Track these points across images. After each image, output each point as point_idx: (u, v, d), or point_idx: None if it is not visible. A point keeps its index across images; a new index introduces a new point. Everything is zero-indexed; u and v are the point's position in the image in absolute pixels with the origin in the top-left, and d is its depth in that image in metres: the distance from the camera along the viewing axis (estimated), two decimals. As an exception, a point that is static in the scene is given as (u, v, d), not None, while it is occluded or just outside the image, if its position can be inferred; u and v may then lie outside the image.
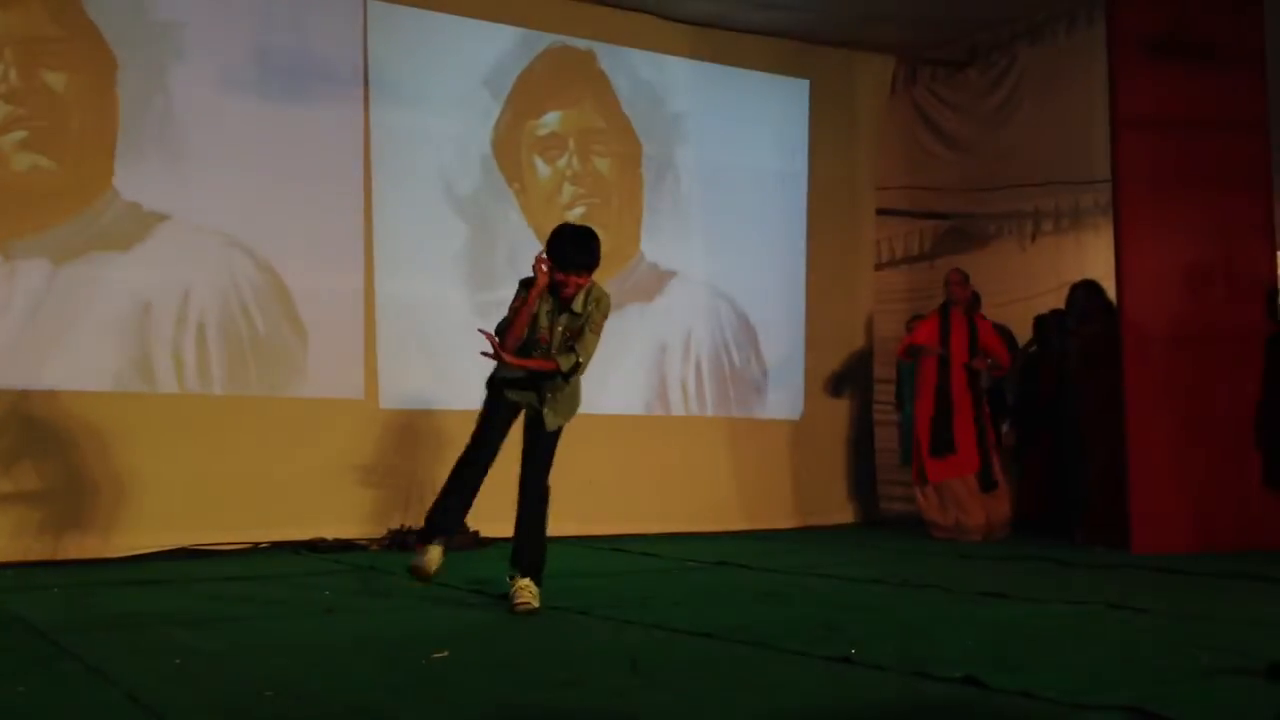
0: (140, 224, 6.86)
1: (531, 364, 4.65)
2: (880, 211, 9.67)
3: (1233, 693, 3.08)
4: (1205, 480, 6.85)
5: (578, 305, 4.65)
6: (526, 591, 4.61)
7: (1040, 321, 8.48)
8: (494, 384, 4.82)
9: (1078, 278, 8.10)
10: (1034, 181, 8.96)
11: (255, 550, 6.87)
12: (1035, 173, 8.94)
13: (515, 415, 4.84)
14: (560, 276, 4.57)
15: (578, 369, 4.68)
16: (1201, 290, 7.05)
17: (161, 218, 6.91)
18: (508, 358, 4.60)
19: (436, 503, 4.90)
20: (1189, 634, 4.02)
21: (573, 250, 4.57)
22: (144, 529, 6.56)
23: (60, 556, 6.28)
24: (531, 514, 4.81)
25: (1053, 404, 7.90)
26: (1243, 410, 7.03)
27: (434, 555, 4.74)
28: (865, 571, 5.84)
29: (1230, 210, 7.13)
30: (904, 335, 8.83)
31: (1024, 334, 8.60)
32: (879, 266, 9.93)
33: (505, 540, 7.28)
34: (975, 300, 8.37)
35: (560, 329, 4.67)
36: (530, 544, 4.76)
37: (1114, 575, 5.79)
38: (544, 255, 4.62)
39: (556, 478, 7.76)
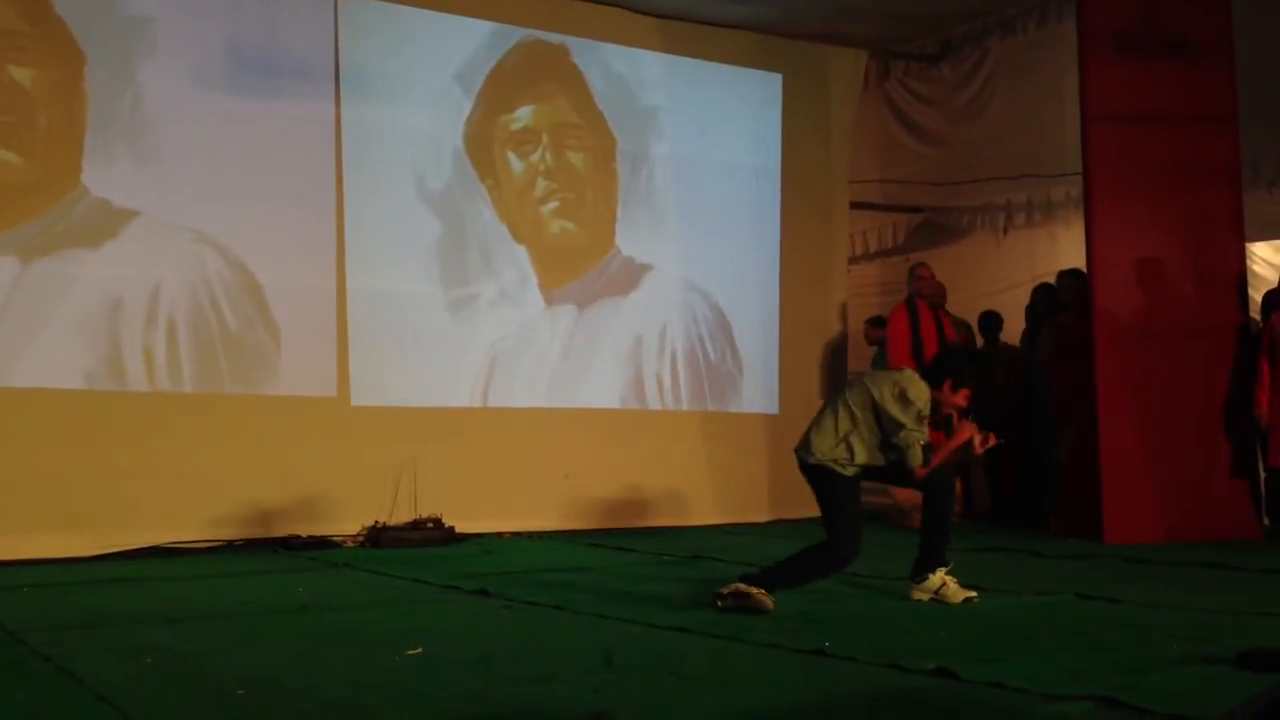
0: (110, 220, 6.79)
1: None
2: (854, 205, 9.69)
3: (1202, 681, 3.11)
4: (1176, 471, 6.91)
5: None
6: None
7: (983, 321, 8.57)
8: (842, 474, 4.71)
9: (1050, 270, 8.17)
10: (1006, 175, 9.01)
11: (228, 548, 6.83)
12: (1007, 166, 8.97)
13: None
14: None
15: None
16: (1172, 283, 7.11)
17: (131, 214, 6.84)
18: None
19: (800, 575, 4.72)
20: (1159, 624, 4.05)
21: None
22: (115, 527, 6.50)
23: (30, 556, 6.21)
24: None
25: (1019, 398, 7.96)
26: (1212, 402, 7.09)
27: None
28: (840, 564, 5.84)
29: (1200, 203, 7.18)
30: (872, 332, 8.86)
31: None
32: (853, 260, 9.95)
33: (480, 536, 7.34)
34: (942, 294, 8.43)
35: None
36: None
37: (1086, 566, 5.84)
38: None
39: (531, 473, 7.84)
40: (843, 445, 4.62)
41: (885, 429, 4.60)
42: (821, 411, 4.81)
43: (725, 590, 4.45)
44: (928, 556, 4.70)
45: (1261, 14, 7.32)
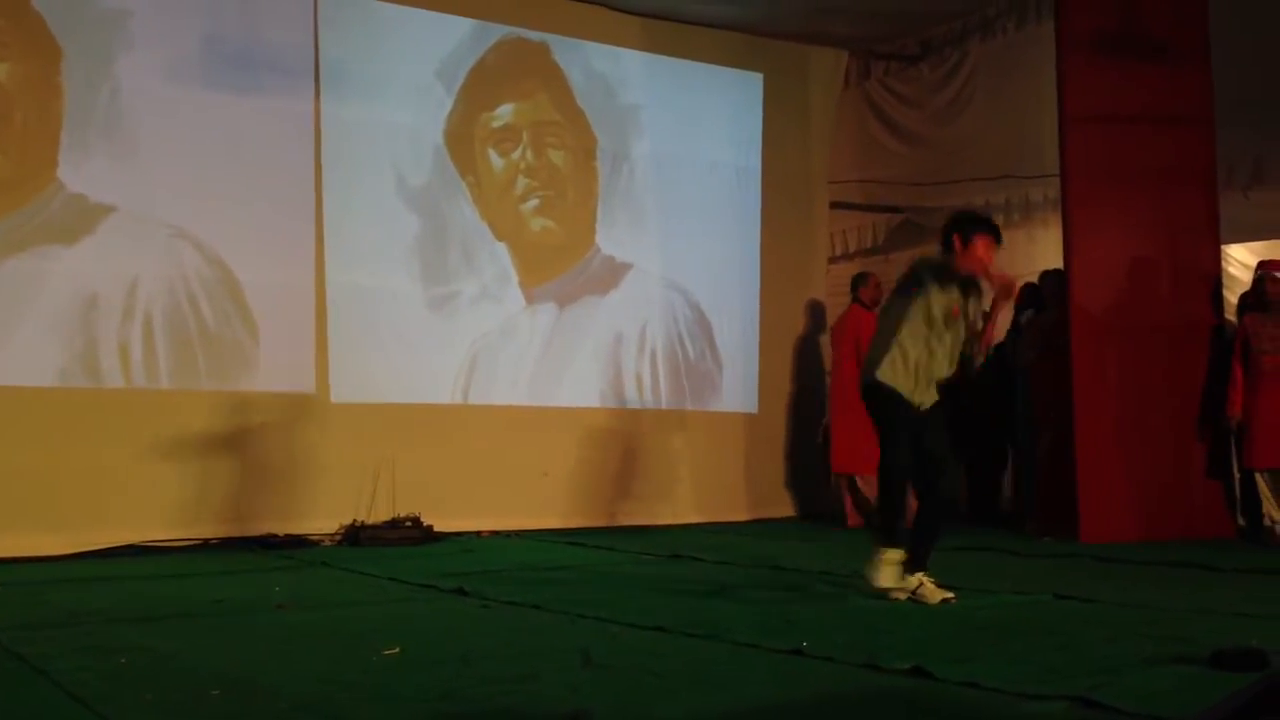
0: (86, 216, 6.75)
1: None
2: (833, 205, 9.71)
3: (1176, 681, 3.12)
4: (1151, 471, 6.95)
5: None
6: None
7: None
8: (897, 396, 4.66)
9: (1029, 270, 8.19)
10: (985, 175, 9.04)
11: (205, 546, 6.80)
12: (987, 166, 9.01)
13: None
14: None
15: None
16: (1148, 284, 7.15)
17: (108, 210, 6.80)
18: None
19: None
20: (1134, 623, 4.08)
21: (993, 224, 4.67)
22: (90, 526, 6.46)
23: (4, 554, 6.16)
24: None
25: (998, 398, 8.02)
26: (1187, 402, 7.13)
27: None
28: (817, 564, 5.87)
29: (1176, 204, 7.22)
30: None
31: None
32: (832, 260, 9.97)
33: (458, 535, 7.33)
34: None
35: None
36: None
37: (1062, 565, 5.87)
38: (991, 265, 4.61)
39: (510, 471, 7.83)
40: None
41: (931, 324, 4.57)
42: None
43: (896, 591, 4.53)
44: (912, 557, 4.66)
45: (1237, 18, 7.37)
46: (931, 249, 9.45)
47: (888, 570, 4.59)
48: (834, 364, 8.52)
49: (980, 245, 4.59)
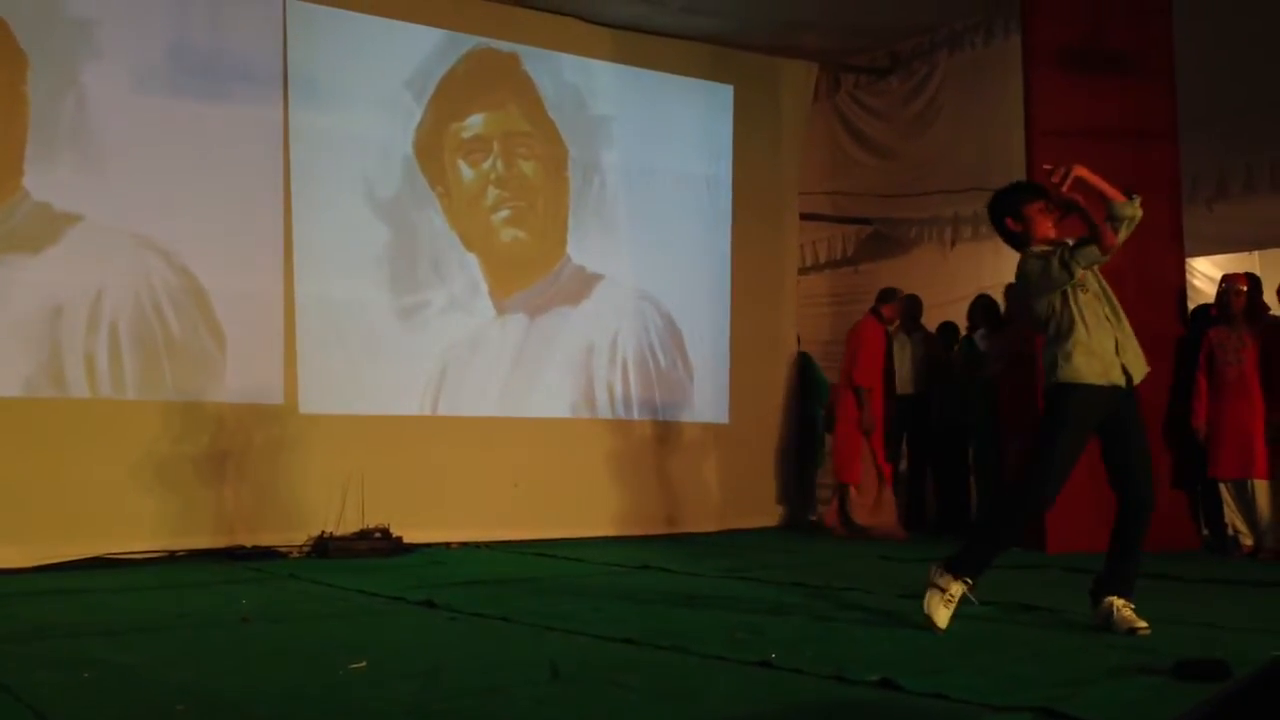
0: (51, 225, 6.68)
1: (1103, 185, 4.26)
2: (803, 216, 9.77)
3: (1140, 692, 3.16)
4: (1117, 481, 7.00)
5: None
6: (1130, 610, 4.14)
7: (943, 331, 8.85)
8: (1069, 390, 4.22)
9: (996, 282, 8.27)
10: (954, 188, 9.12)
11: (171, 559, 6.73)
12: (954, 179, 9.09)
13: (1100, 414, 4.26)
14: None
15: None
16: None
17: (73, 219, 6.74)
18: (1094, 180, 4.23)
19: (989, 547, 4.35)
20: (1099, 634, 4.11)
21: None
22: (56, 538, 6.39)
23: (-33, 567, 6.10)
24: (1150, 513, 4.31)
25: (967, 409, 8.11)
26: (1152, 413, 7.19)
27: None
28: (787, 575, 5.88)
29: (1141, 218, 7.28)
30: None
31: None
32: (803, 270, 10.02)
33: (428, 546, 7.30)
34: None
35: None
36: (1139, 555, 4.28)
37: (1029, 575, 5.91)
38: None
39: (480, 482, 7.81)
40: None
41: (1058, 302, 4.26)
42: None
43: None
44: (967, 558, 4.27)
45: (1202, 33, 7.48)
46: (899, 261, 9.66)
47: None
48: (842, 371, 8.60)
49: (1038, 207, 4.40)
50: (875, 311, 8.47)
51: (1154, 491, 4.35)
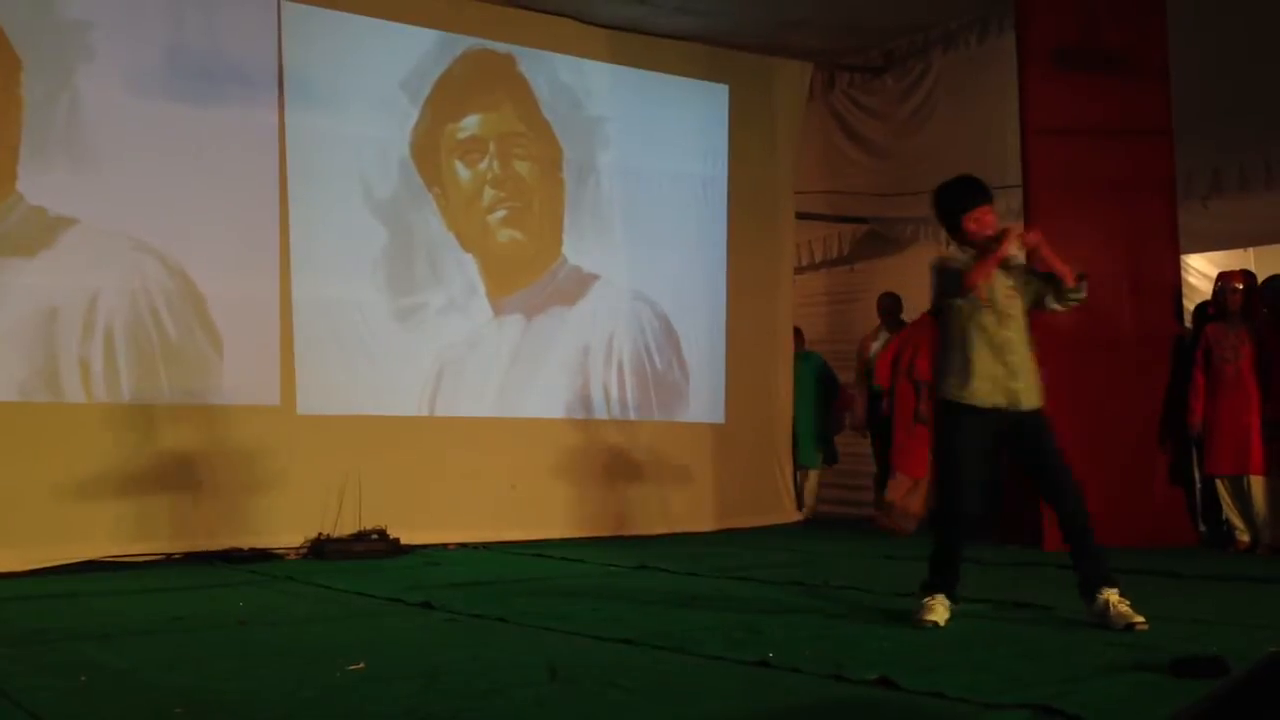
0: (46, 228, 6.67)
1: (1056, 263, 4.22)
2: (799, 215, 9.77)
3: (1137, 689, 3.16)
4: (1113, 479, 7.01)
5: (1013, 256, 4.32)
6: (1126, 605, 4.15)
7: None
8: (953, 406, 4.32)
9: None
10: (948, 187, 9.10)
11: (167, 562, 6.73)
12: (949, 177, 9.05)
13: (990, 433, 4.33)
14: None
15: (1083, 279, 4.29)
16: (1109, 293, 7.23)
17: (69, 222, 6.73)
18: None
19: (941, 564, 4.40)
20: (1095, 631, 4.11)
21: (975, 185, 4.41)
22: (51, 542, 6.37)
23: (-37, 571, 6.09)
24: (1085, 516, 4.31)
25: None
26: (1149, 410, 7.22)
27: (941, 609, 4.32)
28: (785, 574, 5.88)
29: (1137, 215, 7.32)
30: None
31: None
32: (798, 270, 10.03)
33: (425, 547, 7.29)
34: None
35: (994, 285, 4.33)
36: (1097, 550, 4.29)
37: (1025, 573, 5.91)
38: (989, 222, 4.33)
39: (478, 483, 7.80)
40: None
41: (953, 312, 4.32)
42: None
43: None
44: (934, 580, 4.39)
45: (1196, 31, 7.49)
46: (895, 260, 9.65)
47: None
48: (900, 366, 8.49)
49: (981, 212, 4.44)
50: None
51: (1081, 495, 4.36)
